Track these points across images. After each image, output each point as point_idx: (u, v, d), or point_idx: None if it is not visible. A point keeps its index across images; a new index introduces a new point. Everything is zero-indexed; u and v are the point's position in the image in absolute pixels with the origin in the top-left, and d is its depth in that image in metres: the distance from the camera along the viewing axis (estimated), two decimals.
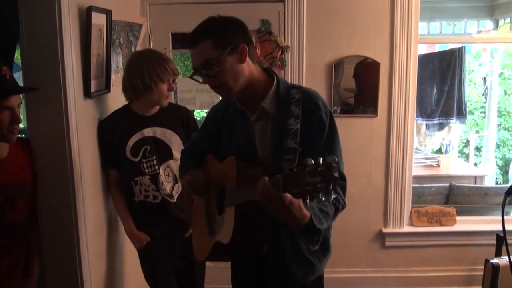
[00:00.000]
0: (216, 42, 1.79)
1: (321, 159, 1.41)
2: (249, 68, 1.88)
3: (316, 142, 1.85)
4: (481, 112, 9.70)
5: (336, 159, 1.41)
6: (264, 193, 1.57)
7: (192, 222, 2.33)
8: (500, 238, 3.57)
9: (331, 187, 1.39)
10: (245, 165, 1.89)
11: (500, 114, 9.37)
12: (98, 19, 2.53)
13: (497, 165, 8.99)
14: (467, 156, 9.15)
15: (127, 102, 2.75)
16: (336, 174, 1.39)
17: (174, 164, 2.71)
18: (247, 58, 1.85)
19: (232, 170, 1.88)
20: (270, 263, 1.99)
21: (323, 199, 1.43)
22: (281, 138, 1.85)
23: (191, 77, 1.91)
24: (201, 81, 1.90)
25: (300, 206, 1.59)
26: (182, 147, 2.71)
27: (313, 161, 1.42)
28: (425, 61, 5.70)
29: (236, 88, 1.87)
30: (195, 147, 2.28)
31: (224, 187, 1.97)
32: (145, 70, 2.56)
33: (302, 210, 1.60)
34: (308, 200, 1.46)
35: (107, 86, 2.79)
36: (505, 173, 9.27)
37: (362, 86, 3.80)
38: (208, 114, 2.23)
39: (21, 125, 2.14)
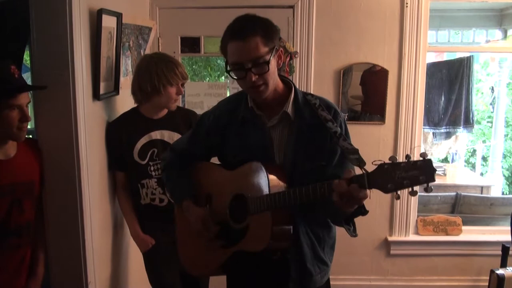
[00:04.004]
0: (265, 40, 1.77)
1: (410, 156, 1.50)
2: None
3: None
4: (488, 122, 9.66)
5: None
6: (346, 193, 1.60)
7: (181, 240, 2.25)
8: (506, 248, 3.56)
9: (433, 179, 1.47)
10: (270, 170, 1.85)
11: (507, 124, 9.33)
12: (109, 22, 2.54)
13: (504, 176, 8.94)
14: (473, 166, 9.11)
15: (135, 105, 2.76)
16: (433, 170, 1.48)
17: None
18: None
19: (261, 176, 1.84)
20: (292, 269, 1.96)
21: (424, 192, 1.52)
22: (325, 141, 1.88)
23: (227, 71, 1.84)
24: (236, 77, 1.85)
25: None
26: None
27: (396, 158, 1.51)
28: (433, 69, 5.69)
29: (272, 89, 1.86)
30: (182, 157, 2.18)
31: (243, 194, 1.91)
32: (154, 73, 2.57)
33: None
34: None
35: (116, 89, 2.80)
36: (511, 183, 9.22)
37: (369, 93, 3.80)
38: (203, 121, 2.13)
39: (29, 126, 2.16)
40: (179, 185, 2.14)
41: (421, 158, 1.48)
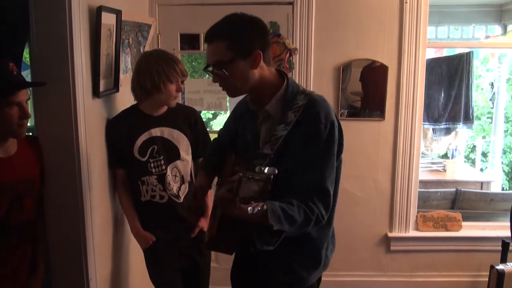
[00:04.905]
0: (231, 44, 1.79)
1: (265, 168, 1.51)
2: (260, 71, 1.87)
3: (306, 150, 1.83)
4: (488, 118, 9.68)
5: (276, 171, 1.54)
6: (219, 197, 1.69)
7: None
8: (506, 244, 3.57)
9: (268, 197, 1.50)
10: (241, 164, 1.88)
11: (507, 120, 9.34)
12: (108, 19, 2.54)
13: (503, 171, 8.96)
14: (473, 162, 9.12)
15: (135, 102, 2.76)
16: (269, 187, 1.50)
17: (181, 165, 2.72)
18: (261, 63, 1.85)
19: (227, 168, 1.94)
20: (260, 265, 2.01)
21: (263, 207, 1.55)
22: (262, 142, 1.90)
23: (205, 69, 1.92)
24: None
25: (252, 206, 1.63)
26: (190, 148, 2.73)
27: (261, 168, 1.51)
28: (433, 65, 5.69)
29: (244, 90, 1.89)
30: (220, 139, 2.35)
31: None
32: (154, 71, 2.57)
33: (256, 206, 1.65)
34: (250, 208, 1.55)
35: (116, 86, 2.80)
36: (511, 179, 9.23)
37: (368, 89, 3.79)
38: (233, 109, 2.27)
39: (29, 123, 2.16)
40: (204, 160, 2.47)
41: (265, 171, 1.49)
